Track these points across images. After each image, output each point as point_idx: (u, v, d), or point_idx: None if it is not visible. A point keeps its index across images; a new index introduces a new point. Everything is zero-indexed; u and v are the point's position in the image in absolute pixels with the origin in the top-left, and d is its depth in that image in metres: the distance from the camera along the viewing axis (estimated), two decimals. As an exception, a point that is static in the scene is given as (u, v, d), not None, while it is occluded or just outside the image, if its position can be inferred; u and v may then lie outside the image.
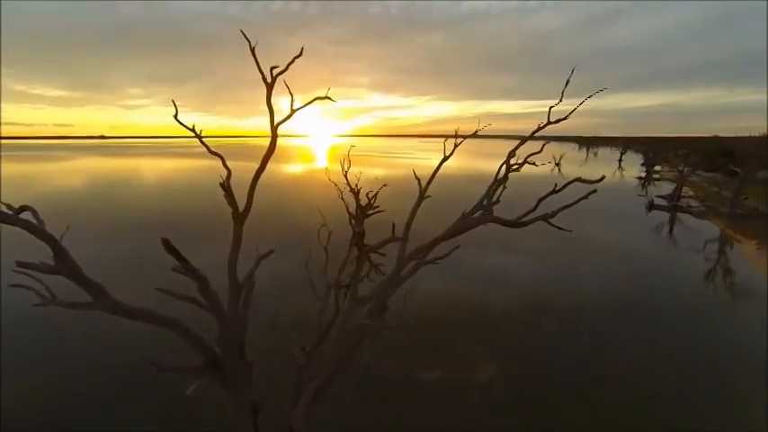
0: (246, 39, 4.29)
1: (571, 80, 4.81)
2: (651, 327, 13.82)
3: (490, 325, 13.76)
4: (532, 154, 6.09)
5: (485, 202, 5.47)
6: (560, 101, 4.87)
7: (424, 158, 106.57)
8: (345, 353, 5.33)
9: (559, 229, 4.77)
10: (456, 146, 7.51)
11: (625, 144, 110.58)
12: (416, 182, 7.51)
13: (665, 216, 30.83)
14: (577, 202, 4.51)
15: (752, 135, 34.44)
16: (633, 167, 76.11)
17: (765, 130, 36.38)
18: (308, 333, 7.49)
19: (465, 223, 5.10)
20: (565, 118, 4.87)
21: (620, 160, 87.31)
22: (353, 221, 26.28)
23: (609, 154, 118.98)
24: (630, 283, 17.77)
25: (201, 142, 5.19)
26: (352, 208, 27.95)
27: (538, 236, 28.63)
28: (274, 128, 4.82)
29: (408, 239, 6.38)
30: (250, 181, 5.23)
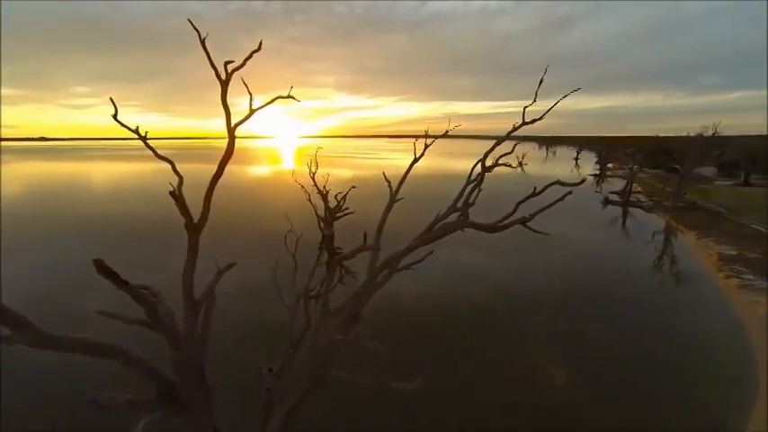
0: (195, 29, 3.86)
1: (532, 82, 4.88)
2: (608, 311, 14.73)
3: (460, 324, 13.95)
4: (504, 154, 6.08)
5: (459, 204, 5.36)
6: (534, 101, 4.87)
7: (393, 159, 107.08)
8: (318, 368, 5.00)
9: (537, 232, 4.75)
10: (426, 146, 7.39)
11: (580, 144, 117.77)
12: (386, 184, 7.23)
13: (619, 210, 33.19)
14: (554, 203, 4.50)
15: (688, 135, 37.59)
16: (588, 165, 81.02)
17: (698, 131, 40.12)
18: (277, 347, 7.05)
19: (441, 229, 4.94)
20: (540, 118, 4.88)
21: (576, 159, 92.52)
22: (322, 224, 25.47)
23: (566, 153, 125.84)
24: (589, 273, 18.95)
25: (146, 145, 4.65)
26: (321, 210, 27.22)
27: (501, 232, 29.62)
28: (231, 129, 4.39)
29: (381, 244, 6.10)
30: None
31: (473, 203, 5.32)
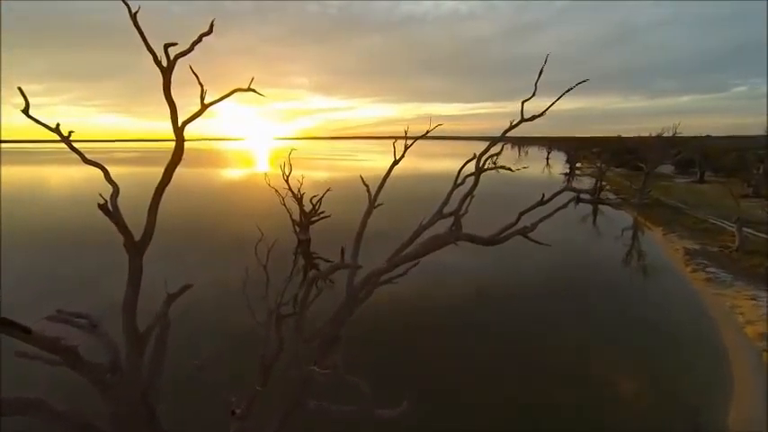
0: (125, 3, 3.17)
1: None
2: (582, 303, 15.03)
3: (444, 326, 13.63)
4: (492, 155, 5.70)
5: (446, 210, 4.91)
6: (533, 95, 4.53)
7: (369, 160, 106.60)
8: (290, 404, 4.39)
9: (538, 243, 4.38)
10: (407, 147, 6.92)
11: (549, 144, 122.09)
12: (365, 189, 6.65)
13: (589, 207, 34.38)
14: (556, 211, 4.14)
15: (650, 135, 39.48)
16: (558, 165, 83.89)
17: (657, 131, 42.36)
18: (247, 372, 6.35)
19: (432, 243, 4.46)
20: (541, 114, 4.52)
21: (547, 158, 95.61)
22: (298, 229, 24.36)
23: (537, 153, 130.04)
24: (566, 269, 19.40)
25: (71, 147, 3.85)
26: (296, 214, 25.96)
27: (474, 228, 29.91)
28: (179, 128, 3.72)
29: (362, 250, 5.55)
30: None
31: (465, 212, 4.87)
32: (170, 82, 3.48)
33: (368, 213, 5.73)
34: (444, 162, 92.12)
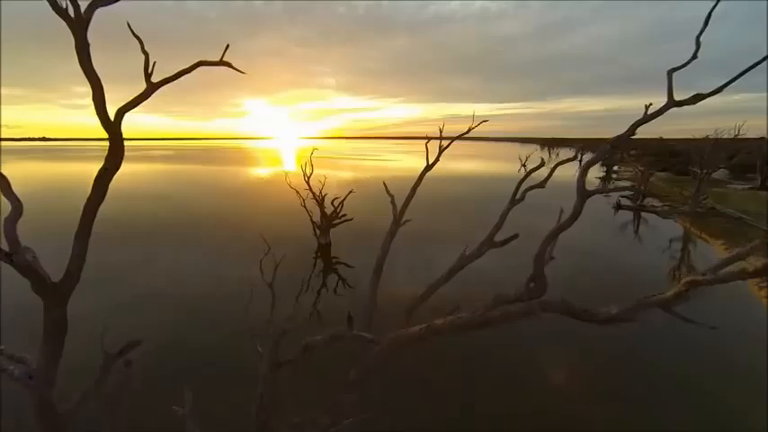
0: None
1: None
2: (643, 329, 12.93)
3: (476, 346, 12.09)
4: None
5: (496, 238, 3.58)
6: (656, 105, 3.21)
7: (394, 160, 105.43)
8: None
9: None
10: (441, 150, 5.59)
11: (581, 145, 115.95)
12: (389, 201, 5.36)
13: (631, 215, 31.47)
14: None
15: (707, 137, 35.75)
16: (593, 168, 79.15)
17: (705, 134, 38.62)
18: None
19: (502, 315, 3.18)
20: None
21: (580, 161, 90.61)
22: (318, 232, 23.37)
23: (569, 155, 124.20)
24: (602, 280, 17.70)
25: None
26: (316, 216, 24.58)
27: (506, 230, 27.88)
28: (113, 120, 2.59)
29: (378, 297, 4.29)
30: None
31: (550, 258, 3.54)
32: (87, 43, 2.34)
33: (391, 234, 4.49)
34: (472, 164, 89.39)
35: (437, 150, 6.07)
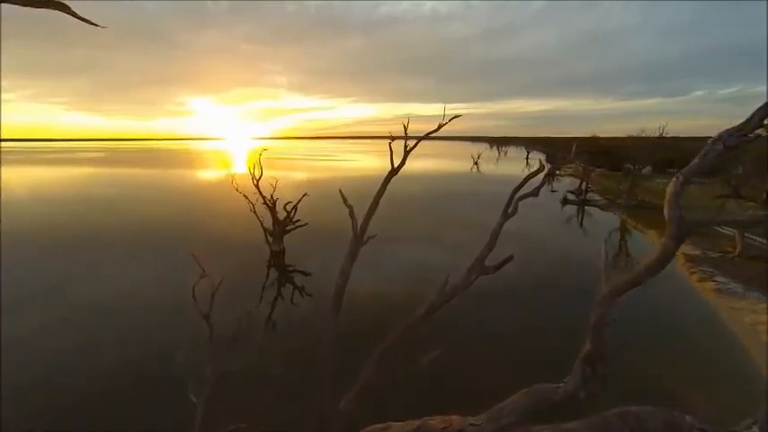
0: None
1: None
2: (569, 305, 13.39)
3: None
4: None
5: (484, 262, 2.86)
6: None
7: (349, 160, 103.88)
8: None
9: None
10: (408, 151, 4.81)
11: (526, 144, 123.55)
12: (349, 190, 4.45)
13: (574, 209, 33.71)
14: None
15: (639, 135, 39.16)
16: (537, 164, 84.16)
17: (633, 132, 42.53)
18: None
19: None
20: None
21: (526, 158, 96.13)
22: (270, 239, 21.56)
23: (516, 153, 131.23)
24: (550, 270, 18.33)
25: None
26: (266, 221, 22.26)
27: (458, 228, 28.54)
28: None
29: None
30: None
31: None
32: None
33: (352, 255, 3.60)
34: (426, 162, 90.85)
35: (394, 151, 5.31)
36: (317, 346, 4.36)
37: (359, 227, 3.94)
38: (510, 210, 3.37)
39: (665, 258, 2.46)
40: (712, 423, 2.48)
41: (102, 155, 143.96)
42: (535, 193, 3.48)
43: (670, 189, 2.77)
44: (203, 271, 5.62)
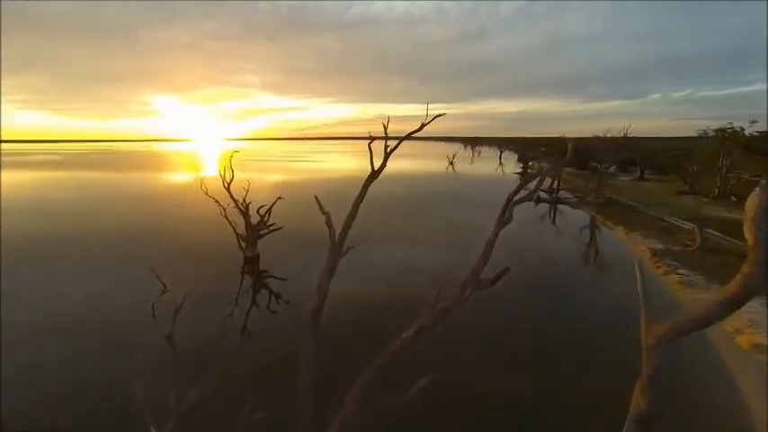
0: None
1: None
2: (564, 309, 13.84)
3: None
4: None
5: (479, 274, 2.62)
6: None
7: (325, 161, 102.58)
8: None
9: None
10: (389, 152, 4.53)
11: (499, 144, 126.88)
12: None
13: (548, 207, 34.85)
14: None
15: (603, 135, 40.92)
16: (509, 164, 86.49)
17: (603, 133, 44.53)
18: None
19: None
20: None
21: (500, 158, 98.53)
22: (243, 244, 20.66)
23: (489, 152, 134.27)
24: (524, 266, 18.59)
25: None
26: (239, 226, 21.23)
27: (439, 227, 28.73)
28: None
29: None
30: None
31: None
32: None
33: (329, 270, 3.27)
34: (402, 162, 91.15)
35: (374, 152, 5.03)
36: (296, 368, 4.00)
37: (336, 237, 3.61)
38: (506, 217, 3.17)
39: (749, 290, 1.93)
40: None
41: (58, 157, 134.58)
42: (531, 197, 3.31)
43: (753, 204, 2.08)
44: (164, 287, 5.09)
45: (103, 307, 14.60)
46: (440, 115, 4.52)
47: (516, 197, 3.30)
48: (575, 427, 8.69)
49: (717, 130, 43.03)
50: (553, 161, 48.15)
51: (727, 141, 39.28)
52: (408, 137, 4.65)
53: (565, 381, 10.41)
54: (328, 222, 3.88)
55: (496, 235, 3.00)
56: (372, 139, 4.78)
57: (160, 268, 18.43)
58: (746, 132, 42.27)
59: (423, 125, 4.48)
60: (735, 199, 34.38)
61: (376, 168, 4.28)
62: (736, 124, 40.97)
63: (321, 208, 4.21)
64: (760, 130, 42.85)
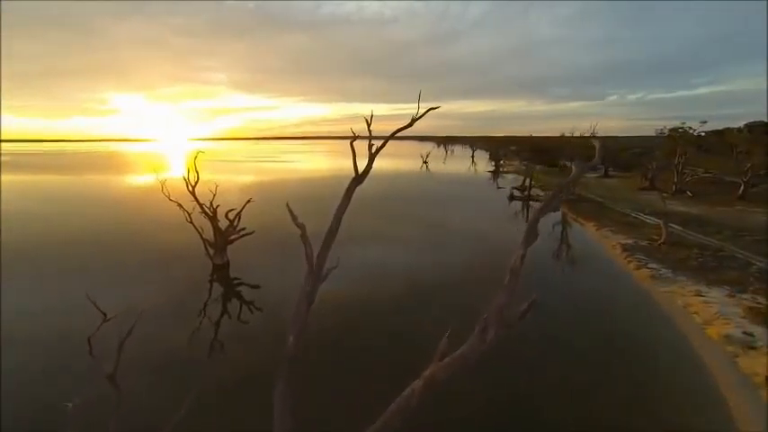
0: None
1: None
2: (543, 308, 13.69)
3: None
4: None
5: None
6: None
7: (296, 161, 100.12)
8: None
9: None
10: (374, 152, 3.95)
11: (471, 142, 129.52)
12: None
13: (520, 204, 35.58)
14: None
15: (570, 134, 42.33)
16: (482, 162, 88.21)
17: (569, 132, 46.31)
18: None
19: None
20: None
21: (472, 157, 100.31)
22: (210, 251, 19.17)
23: (461, 151, 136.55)
24: (503, 260, 18.86)
25: None
26: (206, 231, 19.66)
27: (411, 225, 28.43)
28: None
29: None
30: None
31: None
32: None
33: (308, 297, 2.60)
34: (377, 162, 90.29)
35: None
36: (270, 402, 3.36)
37: (314, 258, 2.89)
38: (532, 235, 2.68)
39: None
40: None
41: (6, 158, 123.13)
42: (556, 206, 2.86)
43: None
44: (105, 316, 4.23)
45: (34, 328, 12.96)
46: (434, 108, 4.02)
47: (541, 213, 2.82)
48: None
49: (671, 130, 45.85)
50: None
51: (680, 141, 41.84)
52: (395, 134, 4.09)
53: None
54: (304, 237, 3.15)
55: (523, 258, 2.48)
56: (355, 138, 4.19)
57: (110, 283, 16.69)
58: (697, 132, 45.32)
59: (414, 119, 3.95)
60: (690, 194, 36.60)
61: (360, 172, 3.68)
62: (687, 125, 43.90)
63: (294, 219, 3.49)
64: (707, 130, 46.10)
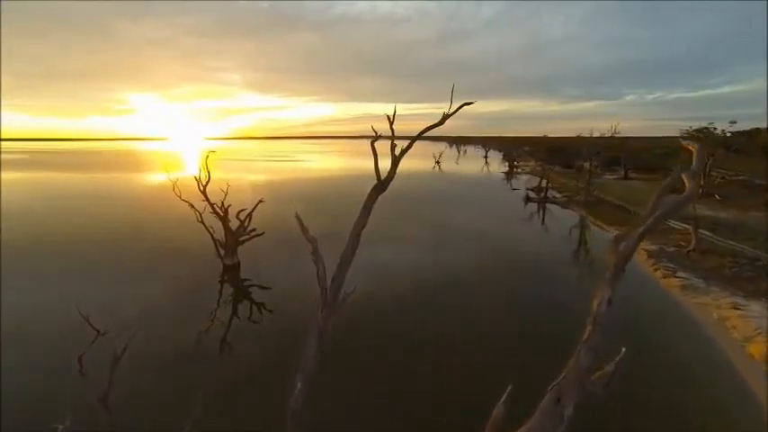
0: None
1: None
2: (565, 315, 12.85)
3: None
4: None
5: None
6: None
7: (307, 161, 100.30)
8: None
9: None
10: (397, 158, 3.40)
11: (484, 143, 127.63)
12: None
13: (536, 206, 34.49)
14: None
15: (579, 135, 40.91)
16: (495, 163, 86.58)
17: (588, 132, 44.73)
18: None
19: None
20: None
21: (485, 157, 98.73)
22: (221, 252, 18.79)
23: (474, 151, 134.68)
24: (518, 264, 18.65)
25: None
26: (217, 232, 19.20)
27: (430, 227, 27.82)
28: None
29: None
30: None
31: None
32: None
33: (320, 332, 2.04)
34: (388, 162, 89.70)
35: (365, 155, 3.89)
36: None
37: (328, 285, 2.25)
38: (619, 273, 2.09)
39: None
40: None
41: (25, 156, 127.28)
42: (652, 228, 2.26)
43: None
44: (98, 332, 3.80)
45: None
46: (468, 103, 3.48)
47: (638, 242, 2.22)
48: None
49: (696, 130, 43.83)
50: (540, 159, 47.79)
51: (707, 141, 39.93)
52: (423, 133, 3.55)
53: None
54: (315, 254, 2.57)
55: (609, 302, 1.88)
56: (377, 137, 3.66)
57: (121, 282, 16.40)
58: (725, 133, 43.21)
59: (446, 116, 3.41)
60: (719, 197, 34.88)
61: (383, 179, 3.12)
62: (716, 124, 41.84)
63: (305, 232, 2.91)
64: (734, 130, 43.93)
